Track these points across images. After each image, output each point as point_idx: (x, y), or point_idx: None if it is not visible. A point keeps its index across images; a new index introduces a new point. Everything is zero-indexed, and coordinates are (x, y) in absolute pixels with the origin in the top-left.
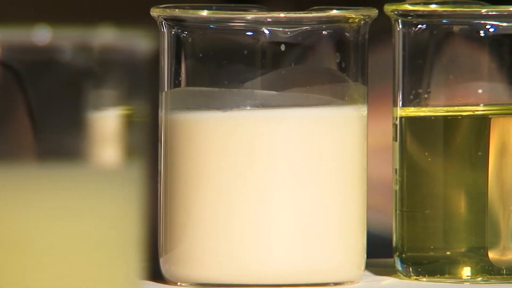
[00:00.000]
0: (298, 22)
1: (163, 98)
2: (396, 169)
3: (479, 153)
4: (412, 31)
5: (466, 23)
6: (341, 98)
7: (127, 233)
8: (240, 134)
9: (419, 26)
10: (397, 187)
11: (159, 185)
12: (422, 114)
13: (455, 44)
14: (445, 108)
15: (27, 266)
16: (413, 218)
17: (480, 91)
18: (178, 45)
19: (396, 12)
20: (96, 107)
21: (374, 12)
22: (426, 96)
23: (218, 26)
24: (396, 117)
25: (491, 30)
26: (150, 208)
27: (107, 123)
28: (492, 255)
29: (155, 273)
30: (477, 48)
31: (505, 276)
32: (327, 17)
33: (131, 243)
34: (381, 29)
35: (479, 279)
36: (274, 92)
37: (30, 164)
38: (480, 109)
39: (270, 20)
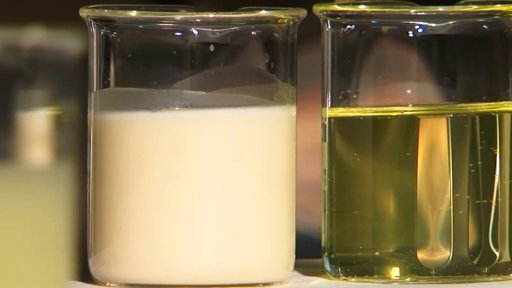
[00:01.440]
0: (227, 22)
1: (92, 98)
2: (325, 170)
3: (408, 154)
4: (341, 32)
5: (395, 23)
6: (270, 98)
7: (56, 234)
8: (168, 135)
9: (348, 26)
10: (326, 188)
11: (88, 185)
12: (351, 114)
13: (384, 45)
14: (374, 109)
15: None
16: (342, 219)
17: (408, 91)
18: (107, 45)
19: (325, 13)
20: (25, 107)
21: (303, 13)
22: (355, 96)
23: (147, 27)
24: (325, 118)
25: (420, 30)
26: (79, 208)
27: (36, 124)
28: (421, 255)
29: (84, 274)
30: (406, 48)
31: (434, 276)
32: (256, 17)
33: (60, 244)
34: (310, 29)
35: (408, 279)
36: (203, 93)
37: None
38: (408, 110)
39: (199, 20)
